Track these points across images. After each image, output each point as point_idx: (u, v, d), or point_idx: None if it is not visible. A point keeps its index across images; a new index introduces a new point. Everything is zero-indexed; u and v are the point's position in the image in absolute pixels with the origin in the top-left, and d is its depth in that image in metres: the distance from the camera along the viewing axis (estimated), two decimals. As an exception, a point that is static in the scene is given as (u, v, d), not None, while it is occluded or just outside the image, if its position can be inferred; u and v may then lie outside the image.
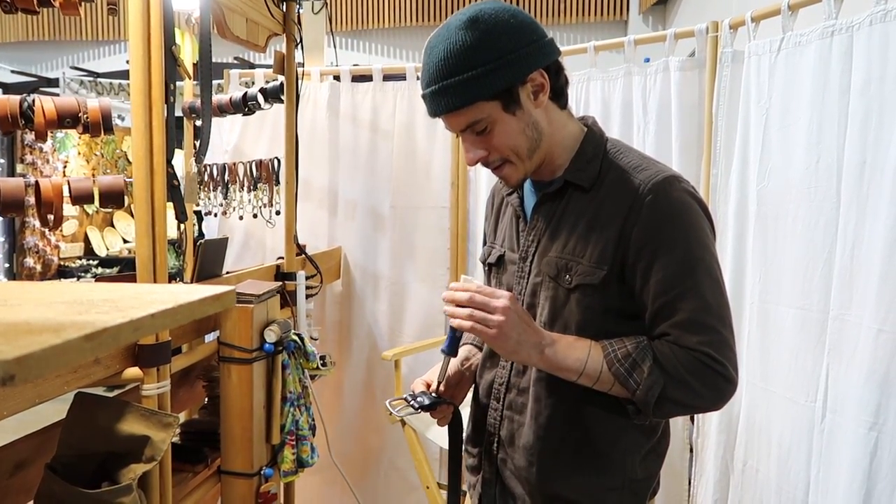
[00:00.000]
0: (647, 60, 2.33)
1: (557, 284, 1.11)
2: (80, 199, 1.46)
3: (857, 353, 1.54)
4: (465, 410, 1.30)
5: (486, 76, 1.01)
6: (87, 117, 1.42)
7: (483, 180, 2.60)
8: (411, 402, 1.17)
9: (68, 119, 1.40)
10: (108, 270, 5.27)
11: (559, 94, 1.12)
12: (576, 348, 1.06)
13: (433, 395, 1.18)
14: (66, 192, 1.47)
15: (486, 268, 1.31)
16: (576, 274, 1.08)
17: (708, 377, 1.03)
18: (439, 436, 2.24)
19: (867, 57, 1.55)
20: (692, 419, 2.20)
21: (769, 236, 1.86)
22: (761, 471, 1.88)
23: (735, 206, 1.99)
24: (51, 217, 1.43)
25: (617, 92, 2.33)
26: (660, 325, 1.06)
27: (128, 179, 1.48)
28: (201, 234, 2.96)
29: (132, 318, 0.50)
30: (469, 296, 1.04)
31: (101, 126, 1.43)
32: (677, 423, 2.22)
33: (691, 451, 2.21)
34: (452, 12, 1.06)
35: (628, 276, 1.06)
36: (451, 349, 1.12)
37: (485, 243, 1.35)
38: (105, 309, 0.54)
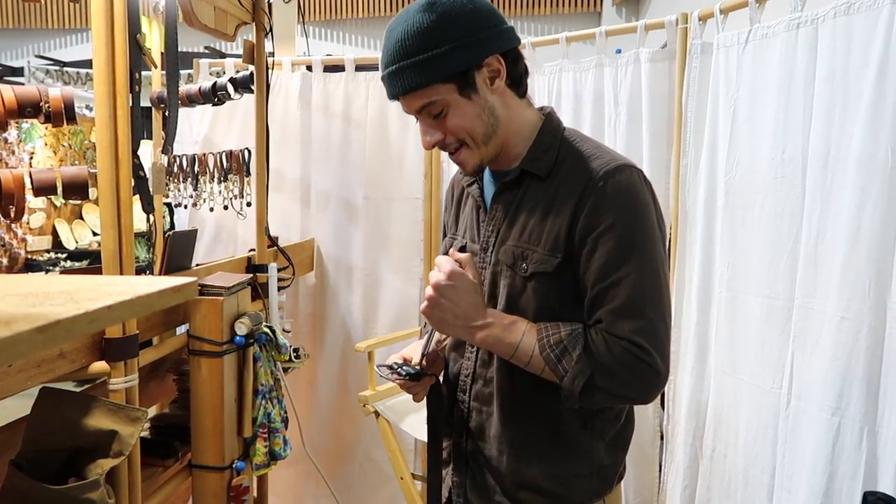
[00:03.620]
0: (619, 52, 2.34)
1: (514, 273, 1.12)
2: (43, 190, 1.43)
3: (820, 340, 1.57)
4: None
5: (441, 58, 1.03)
6: (48, 107, 1.39)
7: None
8: (398, 370, 1.17)
9: (29, 108, 1.37)
10: (77, 264, 5.17)
11: (517, 82, 1.13)
12: (510, 331, 1.08)
13: (416, 367, 1.18)
14: (28, 184, 1.43)
15: None
16: (531, 262, 1.09)
17: (636, 368, 1.03)
18: (413, 427, 2.24)
19: (831, 49, 1.57)
20: (663, 406, 2.23)
21: (737, 226, 1.88)
22: (729, 456, 1.91)
23: (704, 195, 2.01)
24: (12, 209, 1.40)
25: (588, 83, 2.34)
26: (595, 312, 1.07)
27: (92, 171, 1.45)
28: (172, 227, 2.92)
29: (87, 310, 0.50)
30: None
31: (63, 116, 1.40)
32: (648, 411, 2.25)
33: (662, 438, 2.25)
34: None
35: (576, 262, 1.08)
36: None
37: (444, 235, 1.36)
38: (60, 301, 0.53)
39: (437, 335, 1.29)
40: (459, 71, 1.05)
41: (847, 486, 1.49)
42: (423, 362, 1.19)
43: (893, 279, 1.42)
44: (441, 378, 1.31)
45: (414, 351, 1.23)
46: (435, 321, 1.10)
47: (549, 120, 1.17)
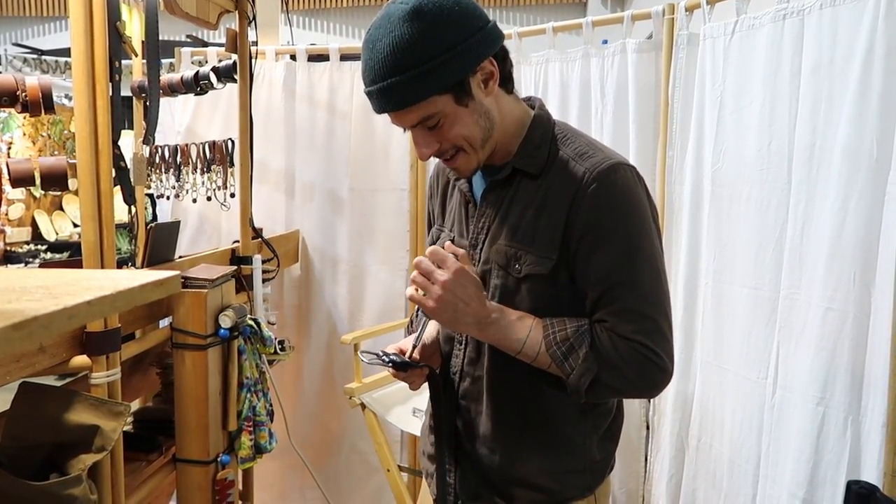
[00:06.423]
0: (606, 42, 2.33)
1: (507, 273, 1.10)
2: (20, 181, 1.40)
3: (805, 331, 1.58)
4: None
5: (436, 70, 0.98)
6: (25, 95, 1.35)
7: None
8: (382, 357, 1.15)
9: (5, 97, 1.34)
10: (57, 255, 5.10)
11: (507, 80, 1.10)
12: (517, 328, 1.07)
13: (407, 359, 1.16)
14: (5, 174, 1.40)
15: None
16: (525, 264, 1.08)
17: (643, 367, 1.04)
18: (399, 419, 2.23)
19: (817, 40, 1.57)
20: (649, 398, 2.24)
21: (723, 217, 1.89)
22: (714, 446, 1.92)
23: (690, 187, 2.01)
24: (-11, 200, 1.37)
25: (575, 73, 2.33)
26: (598, 312, 1.06)
27: (72, 161, 1.42)
28: (155, 218, 2.88)
29: (66, 306, 0.48)
30: (418, 260, 1.04)
31: (41, 105, 1.37)
32: (634, 402, 2.26)
33: (648, 428, 2.26)
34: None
35: (572, 263, 1.06)
36: None
37: (430, 225, 1.33)
38: (38, 296, 0.51)
39: (430, 328, 1.27)
40: (456, 81, 1.00)
41: (831, 476, 1.51)
42: (415, 354, 1.17)
43: (878, 270, 1.43)
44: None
45: (410, 342, 1.21)
46: (447, 320, 1.06)
47: (538, 115, 1.14)
